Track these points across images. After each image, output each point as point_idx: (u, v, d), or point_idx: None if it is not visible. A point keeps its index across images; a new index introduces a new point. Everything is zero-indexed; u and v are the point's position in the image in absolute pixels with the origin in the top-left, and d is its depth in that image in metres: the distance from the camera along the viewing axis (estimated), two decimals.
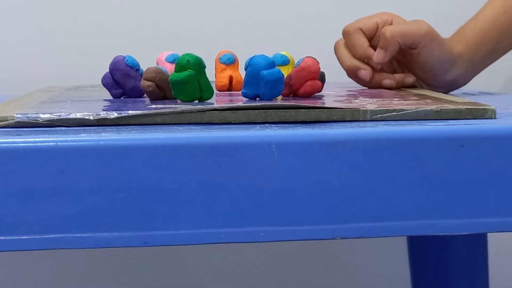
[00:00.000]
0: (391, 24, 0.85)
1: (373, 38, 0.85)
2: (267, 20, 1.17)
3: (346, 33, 0.85)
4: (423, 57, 0.84)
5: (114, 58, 0.71)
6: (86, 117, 0.57)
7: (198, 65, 0.64)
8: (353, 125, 0.56)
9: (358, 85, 0.88)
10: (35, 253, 1.17)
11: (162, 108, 0.59)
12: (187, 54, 0.64)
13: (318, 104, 0.60)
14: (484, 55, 0.89)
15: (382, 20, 0.85)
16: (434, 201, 0.54)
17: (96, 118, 0.57)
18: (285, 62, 0.78)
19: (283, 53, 0.79)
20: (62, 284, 1.22)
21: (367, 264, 1.26)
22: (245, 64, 0.66)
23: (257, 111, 0.58)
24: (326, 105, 0.59)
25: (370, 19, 0.86)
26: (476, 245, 1.03)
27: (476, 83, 1.18)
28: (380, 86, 0.85)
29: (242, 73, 0.71)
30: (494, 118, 0.59)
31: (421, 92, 0.78)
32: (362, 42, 0.84)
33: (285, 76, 0.68)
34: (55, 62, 1.15)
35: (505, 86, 1.20)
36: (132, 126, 0.57)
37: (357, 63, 0.84)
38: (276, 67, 0.65)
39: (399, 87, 0.86)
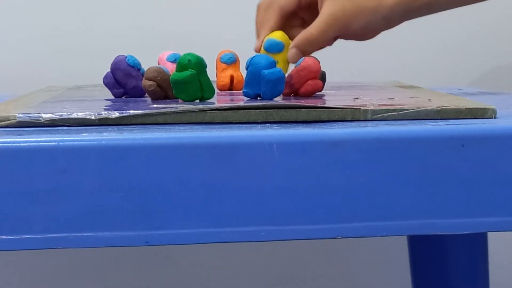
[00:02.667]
0: None
1: (300, 6, 0.82)
2: None
3: (258, 8, 0.82)
4: (352, 35, 0.81)
5: (116, 58, 0.71)
6: (88, 117, 0.57)
7: (199, 65, 0.64)
8: (354, 124, 0.56)
9: (358, 84, 0.88)
10: (36, 252, 1.17)
11: (163, 107, 0.59)
12: (188, 54, 0.64)
13: (319, 103, 0.60)
14: (421, 5, 0.82)
15: None
16: (434, 201, 0.54)
17: (97, 117, 0.57)
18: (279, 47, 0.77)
19: (274, 35, 0.79)
20: (63, 284, 1.22)
21: (367, 264, 1.26)
22: (246, 64, 0.66)
23: (258, 110, 0.58)
24: (327, 105, 0.59)
25: None
26: (476, 245, 1.03)
27: (476, 83, 1.18)
28: None
29: (243, 73, 0.71)
30: (495, 117, 0.59)
31: (421, 92, 0.78)
32: (271, 25, 0.81)
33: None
34: (56, 62, 1.15)
35: (505, 86, 1.20)
36: (134, 126, 0.57)
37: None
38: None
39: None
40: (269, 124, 0.57)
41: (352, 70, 0.91)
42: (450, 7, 0.86)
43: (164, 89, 0.68)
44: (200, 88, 0.65)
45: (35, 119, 0.57)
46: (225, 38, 1.16)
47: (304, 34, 0.79)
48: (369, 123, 0.57)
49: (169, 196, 0.52)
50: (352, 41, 0.84)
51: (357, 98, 0.68)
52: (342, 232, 0.54)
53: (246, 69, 0.66)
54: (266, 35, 0.80)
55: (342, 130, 0.54)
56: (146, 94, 0.72)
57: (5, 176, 0.52)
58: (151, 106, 0.62)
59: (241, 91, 0.68)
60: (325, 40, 0.80)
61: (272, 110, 0.58)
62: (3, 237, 0.52)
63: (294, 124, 0.57)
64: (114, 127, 0.57)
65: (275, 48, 0.78)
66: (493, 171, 0.55)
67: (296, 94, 0.70)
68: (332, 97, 0.70)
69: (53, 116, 0.57)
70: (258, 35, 0.81)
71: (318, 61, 0.69)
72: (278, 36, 0.79)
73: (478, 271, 1.04)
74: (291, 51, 0.79)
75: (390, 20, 0.83)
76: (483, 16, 1.21)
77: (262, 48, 0.79)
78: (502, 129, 0.55)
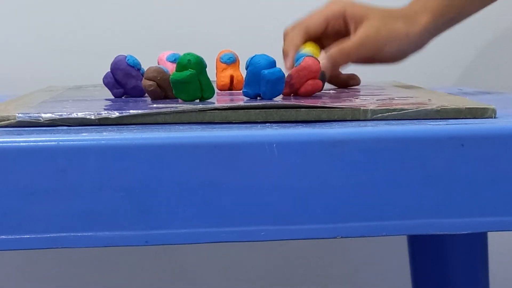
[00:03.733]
0: (344, 19, 0.83)
1: (326, 32, 0.84)
2: (267, 19, 1.17)
3: (285, 36, 0.84)
4: (385, 59, 0.83)
5: (116, 58, 0.71)
6: (88, 117, 0.57)
7: (199, 65, 0.64)
8: (354, 124, 0.56)
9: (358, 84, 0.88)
10: (36, 252, 1.17)
11: (163, 107, 0.59)
12: (188, 54, 0.64)
13: (318, 103, 0.60)
14: (447, 21, 0.86)
15: (334, 13, 0.83)
16: (434, 200, 0.54)
17: (97, 117, 0.57)
18: None
19: (306, 47, 0.79)
20: (63, 284, 1.22)
21: (367, 264, 1.26)
22: (246, 64, 0.66)
23: (258, 110, 0.58)
24: (326, 105, 0.59)
25: (319, 15, 0.83)
26: (476, 245, 1.03)
27: (476, 83, 1.18)
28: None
29: (243, 73, 0.71)
30: (494, 117, 0.59)
31: (421, 92, 0.78)
32: (297, 44, 0.82)
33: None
34: (56, 62, 1.15)
35: (505, 86, 1.20)
36: (133, 126, 0.57)
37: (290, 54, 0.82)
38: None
39: (344, 86, 0.85)
40: (268, 124, 0.57)
41: (352, 70, 0.91)
42: (470, 14, 0.89)
43: (164, 89, 0.68)
44: (200, 88, 0.65)
45: (35, 119, 0.57)
46: (225, 38, 1.16)
47: (337, 47, 0.81)
48: (369, 123, 0.57)
49: (169, 195, 0.52)
50: None
51: (357, 98, 0.68)
52: (342, 232, 0.54)
53: (246, 69, 0.66)
54: (296, 51, 0.81)
55: (342, 129, 0.54)
56: (146, 94, 0.72)
57: (5, 176, 0.52)
58: (151, 106, 0.62)
59: (241, 91, 0.68)
60: (357, 56, 0.82)
61: (272, 110, 0.58)
62: (3, 237, 0.52)
63: (294, 124, 0.57)
64: (114, 127, 0.57)
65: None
66: (493, 171, 0.55)
67: (296, 94, 0.70)
68: (332, 97, 0.70)
69: (53, 116, 0.57)
70: (285, 55, 0.82)
71: (318, 61, 0.69)
72: (308, 46, 0.80)
73: (478, 271, 1.04)
74: (322, 62, 0.79)
75: (420, 43, 0.85)
76: (483, 16, 1.21)
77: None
78: (502, 129, 0.55)
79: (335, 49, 0.81)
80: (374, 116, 0.59)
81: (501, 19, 1.22)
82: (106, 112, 0.57)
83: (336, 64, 0.80)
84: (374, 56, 0.83)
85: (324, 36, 0.84)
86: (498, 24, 1.22)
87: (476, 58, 1.22)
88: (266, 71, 0.64)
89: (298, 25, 0.84)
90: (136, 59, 0.72)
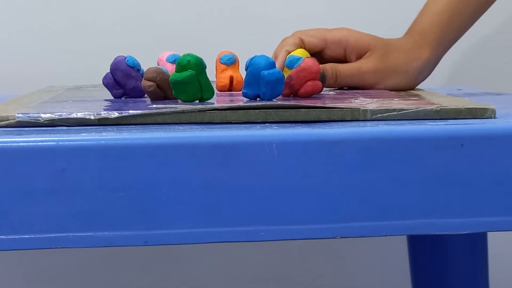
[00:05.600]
0: (345, 48, 0.83)
1: (322, 54, 0.84)
2: (267, 20, 1.17)
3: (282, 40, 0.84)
4: (389, 87, 0.83)
5: (115, 58, 0.71)
6: (87, 117, 0.57)
7: (198, 65, 0.64)
8: (353, 124, 0.56)
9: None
10: (36, 252, 1.17)
11: (162, 108, 0.59)
12: (188, 55, 0.64)
13: (318, 104, 0.60)
14: (445, 48, 0.87)
15: (334, 40, 0.83)
16: (434, 200, 0.54)
17: (97, 117, 0.57)
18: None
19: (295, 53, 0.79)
20: (63, 284, 1.22)
21: (367, 264, 1.26)
22: (246, 64, 0.66)
23: (258, 110, 0.58)
24: (326, 105, 0.59)
25: (320, 34, 0.83)
26: (476, 245, 1.03)
27: (476, 83, 1.18)
28: None
29: (243, 73, 0.71)
30: (494, 117, 0.59)
31: (420, 92, 0.78)
32: (288, 50, 0.82)
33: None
34: (56, 62, 1.15)
35: (505, 86, 1.20)
36: (133, 126, 0.57)
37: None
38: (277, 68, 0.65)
39: None
40: (268, 124, 0.57)
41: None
42: (466, 30, 0.89)
43: (163, 89, 0.68)
44: (199, 89, 0.65)
45: (34, 119, 0.57)
46: (224, 38, 1.16)
47: (332, 65, 0.81)
48: (369, 123, 0.57)
49: (169, 196, 0.53)
50: None
51: (356, 99, 0.68)
52: (342, 231, 0.54)
53: (246, 70, 0.66)
54: (285, 56, 0.80)
55: (342, 130, 0.54)
56: (146, 95, 0.72)
57: (4, 176, 0.52)
58: (151, 106, 0.62)
59: (241, 92, 0.68)
60: (345, 83, 0.82)
61: (271, 110, 0.58)
62: (3, 237, 0.52)
63: (294, 124, 0.57)
64: (114, 127, 0.57)
65: (292, 63, 0.77)
66: (493, 171, 0.55)
67: (296, 95, 0.70)
68: (331, 98, 0.70)
69: (53, 116, 0.57)
70: (274, 58, 0.82)
71: (318, 62, 0.69)
72: (299, 53, 0.79)
73: (478, 271, 1.04)
74: None
75: (421, 77, 0.85)
76: (483, 16, 1.21)
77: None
78: (502, 129, 0.55)
79: (329, 65, 0.81)
80: (374, 116, 0.59)
81: (501, 18, 1.22)
82: (105, 112, 0.57)
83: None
84: (368, 87, 0.83)
85: (320, 57, 0.84)
86: (498, 23, 1.22)
87: (475, 58, 1.22)
88: (265, 72, 0.64)
89: (296, 34, 0.83)
90: (135, 59, 0.72)
